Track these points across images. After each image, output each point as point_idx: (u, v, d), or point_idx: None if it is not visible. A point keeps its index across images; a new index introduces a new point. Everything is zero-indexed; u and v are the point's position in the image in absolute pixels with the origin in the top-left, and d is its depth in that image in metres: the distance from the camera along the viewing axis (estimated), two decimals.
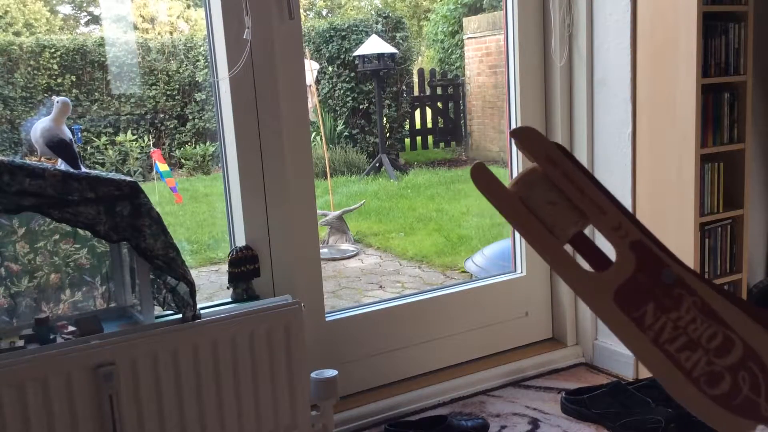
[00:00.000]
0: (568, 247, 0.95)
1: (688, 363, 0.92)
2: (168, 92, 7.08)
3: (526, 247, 2.59)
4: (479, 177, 0.93)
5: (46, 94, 6.37)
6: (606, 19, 2.33)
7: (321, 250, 2.50)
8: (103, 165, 6.38)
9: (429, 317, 2.41)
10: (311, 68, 6.46)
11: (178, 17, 8.01)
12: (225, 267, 2.34)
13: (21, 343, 1.57)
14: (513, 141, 0.93)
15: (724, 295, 0.95)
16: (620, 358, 2.44)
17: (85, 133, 6.36)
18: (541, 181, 0.92)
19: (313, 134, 7.27)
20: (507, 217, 0.94)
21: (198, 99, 7.19)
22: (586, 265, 0.94)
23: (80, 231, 1.76)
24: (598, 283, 0.93)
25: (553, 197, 0.91)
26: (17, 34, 6.80)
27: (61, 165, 1.84)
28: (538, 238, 0.92)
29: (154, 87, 7.00)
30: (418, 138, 8.93)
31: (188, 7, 8.05)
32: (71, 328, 1.62)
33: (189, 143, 7.19)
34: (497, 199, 0.93)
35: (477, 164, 0.93)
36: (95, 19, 7.95)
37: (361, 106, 8.30)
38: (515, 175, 2.57)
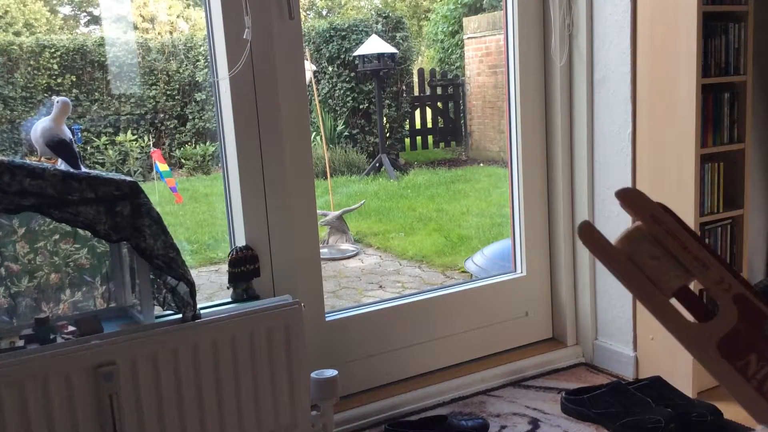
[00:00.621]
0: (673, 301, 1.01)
1: None
2: (168, 92, 7.08)
3: (526, 247, 2.59)
4: (587, 237, 0.99)
5: (46, 94, 6.37)
6: (606, 19, 2.33)
7: (321, 250, 2.50)
8: (103, 165, 6.38)
9: (429, 317, 2.41)
10: (309, 68, 6.46)
11: (178, 17, 8.02)
12: (225, 267, 2.34)
13: (21, 343, 1.57)
14: (618, 202, 0.99)
15: None
16: (620, 358, 2.44)
17: (85, 133, 6.36)
18: (645, 238, 0.97)
19: (313, 134, 7.27)
20: (615, 273, 1.00)
21: (198, 99, 7.19)
22: (689, 317, 0.99)
23: (80, 231, 1.76)
24: (702, 334, 0.97)
25: (657, 253, 0.96)
26: (17, 34, 6.80)
27: (61, 165, 1.84)
28: (645, 292, 0.98)
29: (154, 87, 7.00)
30: (418, 138, 8.93)
31: (188, 6, 8.05)
32: (71, 328, 1.62)
33: (189, 143, 7.19)
34: (606, 257, 0.99)
35: (585, 224, 0.99)
36: (95, 19, 7.95)
37: (361, 106, 8.30)
38: (518, 178, 2.57)
